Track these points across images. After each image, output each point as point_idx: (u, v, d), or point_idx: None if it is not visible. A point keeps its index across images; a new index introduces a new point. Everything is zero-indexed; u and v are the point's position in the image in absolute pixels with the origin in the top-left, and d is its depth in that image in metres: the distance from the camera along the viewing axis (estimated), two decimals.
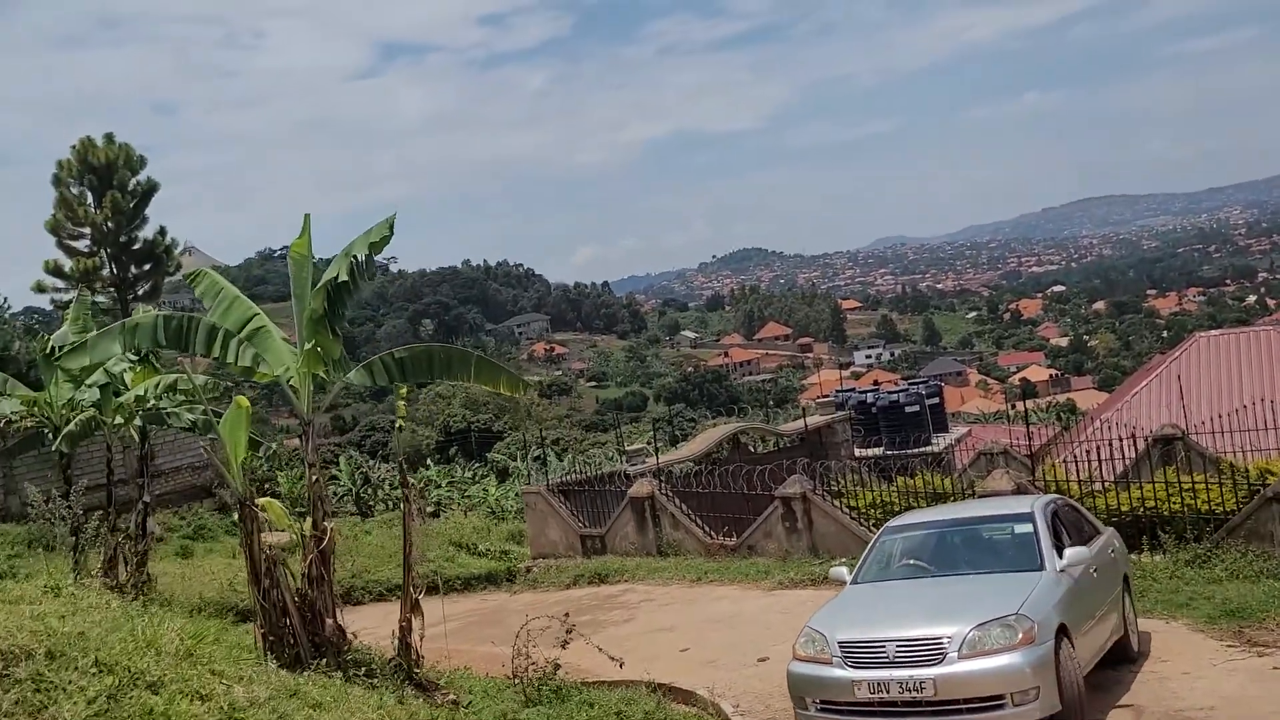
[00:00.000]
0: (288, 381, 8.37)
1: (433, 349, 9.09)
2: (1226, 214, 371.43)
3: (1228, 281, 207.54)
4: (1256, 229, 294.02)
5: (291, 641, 7.90)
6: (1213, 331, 30.88)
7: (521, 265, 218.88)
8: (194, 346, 8.50)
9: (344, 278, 8.13)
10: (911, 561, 9.39)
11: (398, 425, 9.33)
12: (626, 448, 23.70)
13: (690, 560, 17.58)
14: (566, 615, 10.59)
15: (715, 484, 18.47)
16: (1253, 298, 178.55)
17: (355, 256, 8.29)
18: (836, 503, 16.17)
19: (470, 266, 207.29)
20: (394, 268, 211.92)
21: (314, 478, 8.18)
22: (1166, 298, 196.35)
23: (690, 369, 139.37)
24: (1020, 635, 7.57)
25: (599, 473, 21.60)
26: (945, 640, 7.64)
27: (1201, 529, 12.61)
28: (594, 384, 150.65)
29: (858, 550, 12.29)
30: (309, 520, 8.12)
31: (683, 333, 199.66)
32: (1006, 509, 9.73)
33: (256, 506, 7.75)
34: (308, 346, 8.15)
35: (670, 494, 18.96)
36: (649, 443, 24.88)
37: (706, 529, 18.18)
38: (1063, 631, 7.86)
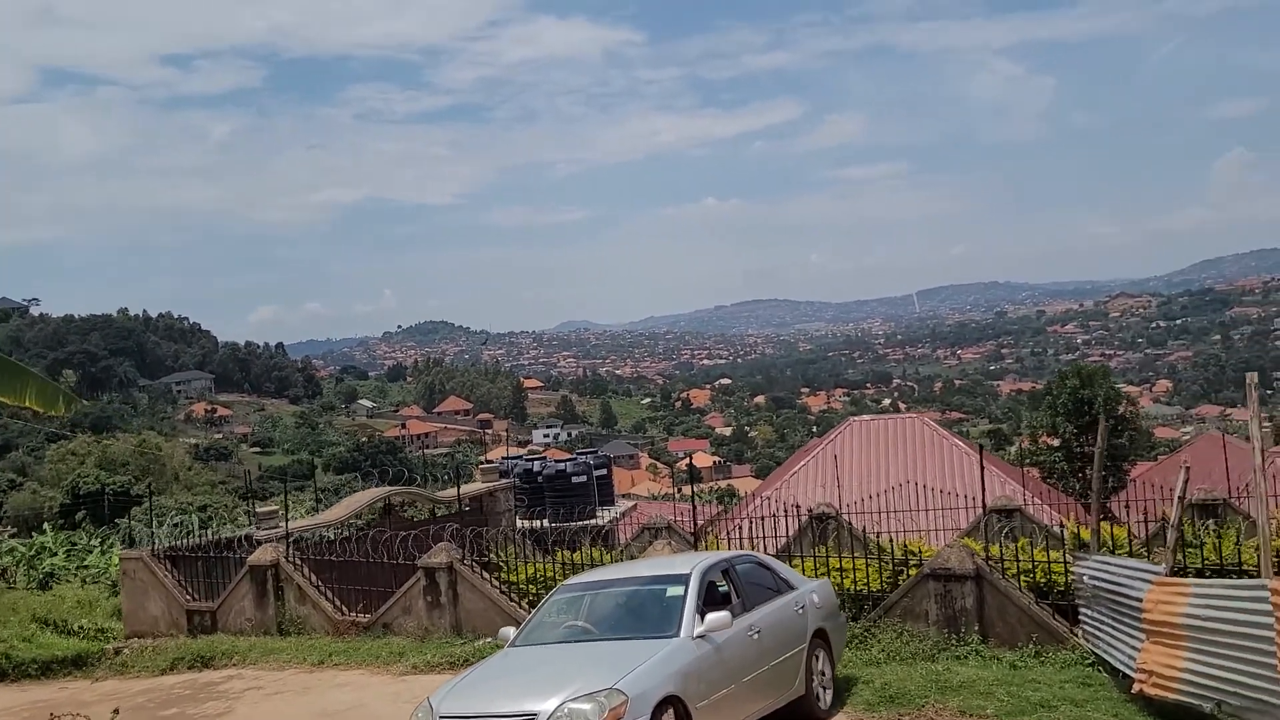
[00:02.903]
0: None
1: None
2: (869, 324, 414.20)
3: (869, 385, 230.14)
4: (893, 339, 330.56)
5: None
6: (865, 417, 32.62)
7: (187, 319, 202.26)
8: None
9: None
10: (578, 623, 9.08)
11: None
12: (258, 509, 20.67)
13: (315, 640, 15.22)
14: (116, 712, 8.74)
15: (356, 552, 16.22)
16: (889, 400, 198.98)
17: None
18: (488, 576, 14.50)
19: (127, 316, 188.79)
20: (35, 310, 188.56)
21: None
22: (817, 396, 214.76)
23: (365, 439, 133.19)
24: (605, 712, 7.23)
25: (218, 537, 18.57)
26: (533, 716, 7.34)
27: (860, 607, 12.10)
28: (258, 450, 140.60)
29: None
30: None
31: (360, 401, 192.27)
32: (672, 569, 9.34)
33: None
34: None
35: (300, 562, 16.46)
36: (304, 506, 21.99)
37: (338, 603, 15.86)
38: (671, 703, 7.56)
